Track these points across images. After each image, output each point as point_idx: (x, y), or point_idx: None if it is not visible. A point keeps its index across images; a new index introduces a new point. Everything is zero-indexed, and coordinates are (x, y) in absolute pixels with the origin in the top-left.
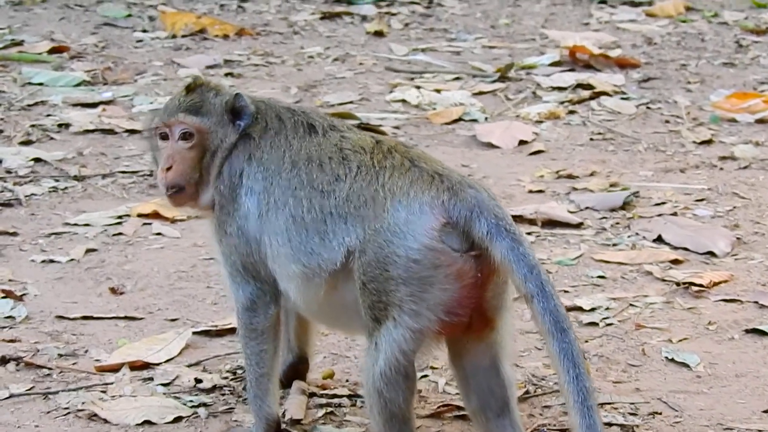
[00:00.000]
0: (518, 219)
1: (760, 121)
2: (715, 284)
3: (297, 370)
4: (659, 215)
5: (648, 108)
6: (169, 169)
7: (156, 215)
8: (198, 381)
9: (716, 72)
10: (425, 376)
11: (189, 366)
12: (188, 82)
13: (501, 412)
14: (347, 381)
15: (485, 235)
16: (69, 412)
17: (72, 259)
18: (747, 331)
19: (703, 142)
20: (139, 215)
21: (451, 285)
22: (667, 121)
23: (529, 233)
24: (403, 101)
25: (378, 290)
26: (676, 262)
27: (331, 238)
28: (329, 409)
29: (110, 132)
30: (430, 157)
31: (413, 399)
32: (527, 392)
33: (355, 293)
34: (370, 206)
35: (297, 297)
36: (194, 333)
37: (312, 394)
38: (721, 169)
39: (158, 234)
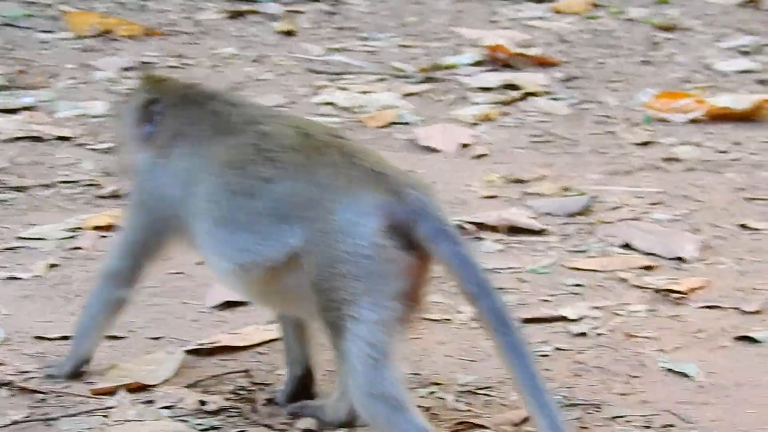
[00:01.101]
0: (481, 226)
1: (693, 121)
2: (692, 290)
3: (304, 384)
4: (621, 220)
5: (578, 108)
6: None
7: (111, 228)
8: (203, 403)
9: (636, 71)
10: (432, 392)
11: (188, 387)
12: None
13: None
14: None
15: (427, 237)
16: None
17: (36, 276)
18: (737, 339)
19: (642, 144)
20: (95, 228)
21: (405, 276)
22: (600, 122)
23: (494, 241)
24: (332, 104)
25: (330, 288)
26: (648, 268)
27: (270, 238)
28: None
29: (39, 139)
30: (364, 149)
31: (404, 386)
32: None
33: (301, 280)
34: (312, 208)
35: (235, 287)
36: (185, 352)
37: None
38: (667, 171)
39: None
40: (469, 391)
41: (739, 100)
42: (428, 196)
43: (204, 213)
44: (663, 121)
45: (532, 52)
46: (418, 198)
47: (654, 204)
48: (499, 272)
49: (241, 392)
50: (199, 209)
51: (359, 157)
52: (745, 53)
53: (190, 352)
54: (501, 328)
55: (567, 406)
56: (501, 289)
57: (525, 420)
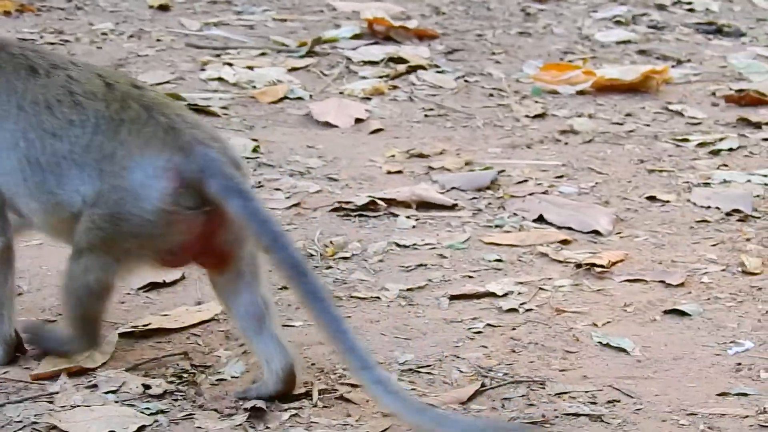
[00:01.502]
0: (393, 203)
1: (581, 93)
2: (613, 264)
3: (286, 381)
4: (531, 194)
5: (466, 81)
6: None
7: None
8: (146, 387)
9: (515, 42)
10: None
11: (128, 371)
12: None
13: (259, 330)
14: (306, 383)
15: (217, 194)
16: (24, 426)
17: None
18: (666, 312)
19: (536, 116)
20: None
21: (178, 236)
22: (490, 95)
23: (407, 217)
24: (220, 79)
25: (105, 237)
26: (565, 242)
27: (67, 182)
28: (293, 412)
29: None
30: (164, 100)
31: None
32: (483, 385)
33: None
34: (110, 161)
35: (41, 227)
36: (119, 335)
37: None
38: (566, 143)
39: None
40: (410, 370)
41: (627, 72)
42: (221, 152)
43: (13, 149)
44: (552, 93)
45: (411, 24)
46: (208, 155)
47: (559, 177)
48: (417, 248)
49: (184, 375)
50: (7, 145)
51: (158, 111)
52: (620, 23)
53: (123, 335)
54: (299, 276)
55: (510, 383)
56: (422, 266)
57: (471, 398)
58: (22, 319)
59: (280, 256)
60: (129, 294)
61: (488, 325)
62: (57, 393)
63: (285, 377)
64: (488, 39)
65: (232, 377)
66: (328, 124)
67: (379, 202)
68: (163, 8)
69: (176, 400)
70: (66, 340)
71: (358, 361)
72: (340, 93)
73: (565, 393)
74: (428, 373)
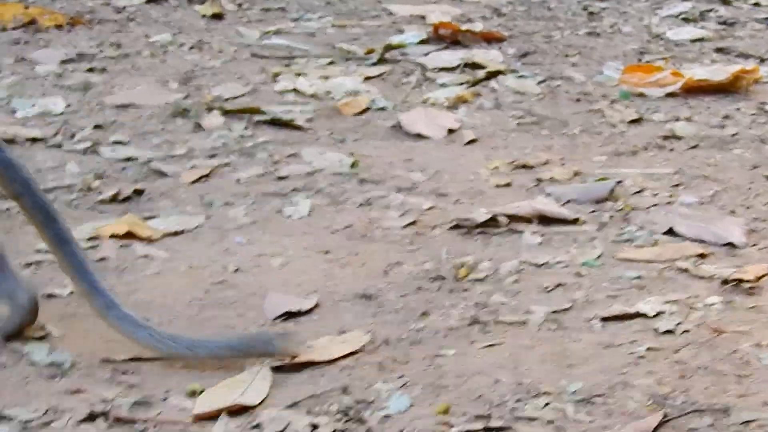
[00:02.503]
0: (514, 218)
1: (670, 95)
2: (759, 278)
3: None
4: (654, 206)
5: (548, 86)
6: None
7: (130, 235)
8: (314, 427)
9: (586, 43)
10: (547, 403)
11: (288, 408)
12: None
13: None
14: (465, 414)
15: None
16: None
17: (73, 292)
18: None
19: (633, 122)
20: (112, 236)
21: None
22: (578, 100)
23: (532, 234)
24: (295, 91)
25: None
26: (702, 256)
27: None
28: None
29: (11, 142)
30: None
31: None
32: (665, 416)
33: None
34: None
35: None
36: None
37: None
38: (672, 150)
39: (145, 256)
40: (584, 400)
41: (716, 72)
42: None
43: None
44: (640, 96)
45: (475, 27)
46: None
47: (675, 186)
48: (551, 267)
49: (348, 412)
50: None
51: None
52: (688, 20)
53: (274, 369)
54: (47, 222)
55: (692, 412)
56: (561, 285)
57: (656, 430)
58: None
59: (31, 202)
60: (264, 325)
61: (649, 348)
62: None
63: (31, 308)
64: (558, 40)
65: (398, 412)
66: (419, 136)
67: (500, 218)
68: (217, 17)
69: None
70: None
71: (102, 300)
72: (423, 102)
73: (753, 421)
74: (603, 403)
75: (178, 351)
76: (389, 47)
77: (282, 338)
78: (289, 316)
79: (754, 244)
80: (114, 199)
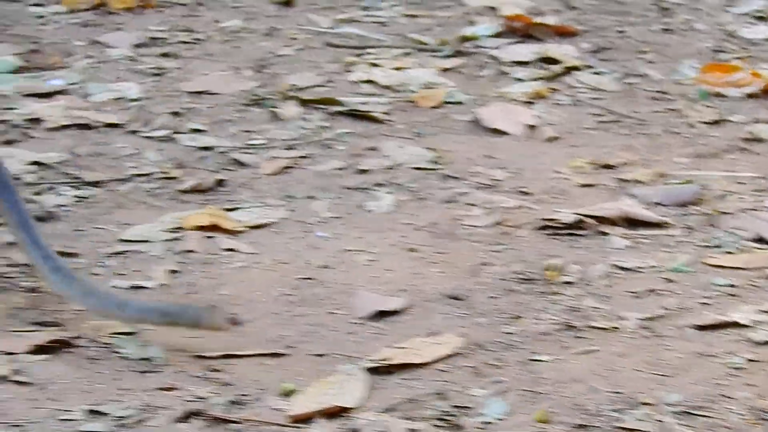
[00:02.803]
0: (600, 219)
1: (751, 96)
2: None
3: None
4: (742, 210)
5: (626, 84)
6: None
7: (214, 227)
8: None
9: (660, 40)
10: (648, 414)
11: (385, 412)
12: None
13: None
14: (563, 422)
15: None
16: None
17: (161, 284)
18: None
19: (713, 122)
20: (196, 228)
21: None
22: (654, 98)
23: (620, 237)
24: (370, 82)
25: None
26: None
27: None
28: None
29: (86, 127)
30: None
31: None
32: None
33: None
34: None
35: None
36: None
37: None
38: (755, 153)
39: (230, 250)
40: (684, 412)
41: None
42: None
43: None
44: (719, 96)
45: (548, 21)
46: None
47: (760, 191)
48: (641, 272)
49: (446, 418)
50: None
51: None
52: (763, 18)
53: (369, 370)
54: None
55: None
56: (652, 291)
57: None
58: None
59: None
60: (355, 323)
61: (749, 360)
62: None
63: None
64: (632, 36)
65: (496, 419)
66: (497, 131)
67: (587, 219)
68: (287, 3)
69: None
70: None
71: (39, 253)
72: (500, 96)
73: None
74: (704, 416)
75: (107, 308)
76: (464, 39)
77: (211, 312)
78: (380, 315)
79: None
80: (194, 189)
